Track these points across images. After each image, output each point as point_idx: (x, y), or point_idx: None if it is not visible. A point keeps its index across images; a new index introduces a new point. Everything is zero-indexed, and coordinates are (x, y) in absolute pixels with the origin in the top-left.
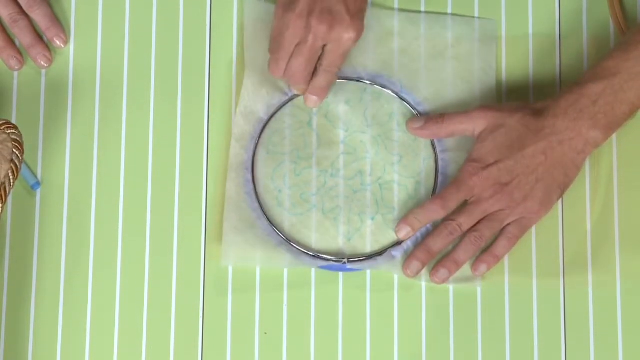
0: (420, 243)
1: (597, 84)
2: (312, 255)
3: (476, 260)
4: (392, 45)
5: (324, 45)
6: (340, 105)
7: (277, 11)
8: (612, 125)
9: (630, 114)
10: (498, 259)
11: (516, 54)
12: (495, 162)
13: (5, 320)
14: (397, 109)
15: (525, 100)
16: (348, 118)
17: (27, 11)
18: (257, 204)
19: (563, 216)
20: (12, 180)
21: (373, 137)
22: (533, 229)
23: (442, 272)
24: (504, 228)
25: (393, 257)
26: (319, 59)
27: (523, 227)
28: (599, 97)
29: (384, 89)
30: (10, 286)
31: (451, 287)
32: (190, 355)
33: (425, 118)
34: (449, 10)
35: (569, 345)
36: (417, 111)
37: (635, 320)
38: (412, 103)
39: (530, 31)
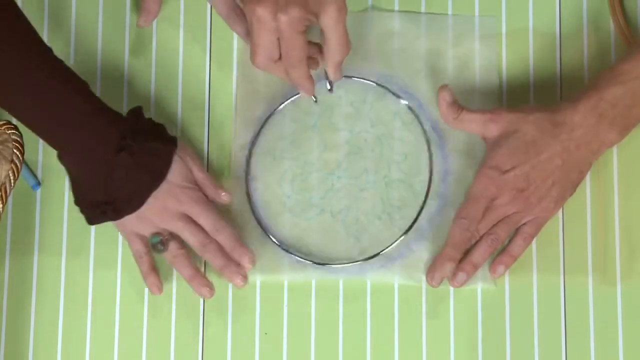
0: (440, 253)
1: (616, 88)
2: (319, 264)
3: (493, 262)
4: (393, 45)
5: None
6: (344, 107)
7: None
8: (628, 126)
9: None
10: (515, 258)
11: (516, 52)
12: (512, 169)
13: (6, 321)
14: (401, 107)
15: (526, 98)
16: (352, 119)
17: (212, 235)
18: (262, 214)
19: (563, 216)
20: (12, 181)
21: (377, 136)
22: None
23: (461, 275)
24: (518, 227)
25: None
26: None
27: (538, 226)
28: (619, 102)
29: (387, 91)
30: (10, 286)
31: (452, 289)
32: (190, 355)
33: (453, 101)
34: (450, 8)
35: (569, 345)
36: (415, 114)
37: (635, 321)
38: (415, 104)
39: (531, 29)
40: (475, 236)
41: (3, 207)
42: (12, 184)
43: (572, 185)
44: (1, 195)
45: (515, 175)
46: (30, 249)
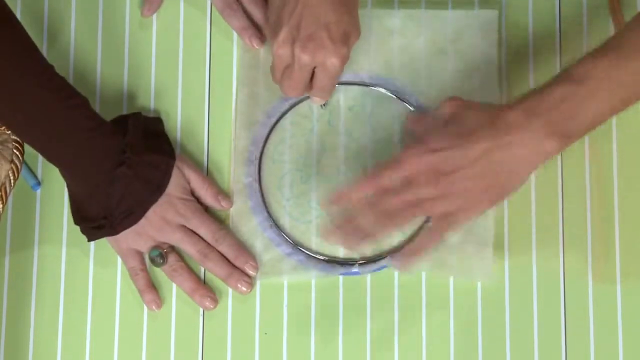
0: (355, 227)
1: (561, 88)
2: (322, 260)
3: (399, 252)
4: (393, 45)
5: (314, 67)
6: (343, 111)
7: (267, 35)
8: (569, 134)
9: (590, 126)
10: (422, 252)
11: (516, 48)
12: (441, 149)
13: (6, 321)
14: (401, 110)
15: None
16: (351, 124)
17: (213, 245)
18: (266, 214)
19: (563, 215)
20: (12, 181)
21: (376, 141)
22: (533, 228)
23: (354, 238)
24: (432, 222)
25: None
26: (312, 77)
27: (451, 224)
28: (561, 103)
29: (386, 92)
30: (10, 286)
31: (451, 285)
32: (190, 355)
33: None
34: (449, 5)
35: (569, 344)
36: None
37: (635, 320)
38: (414, 104)
39: (530, 25)
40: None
41: (3, 207)
42: (12, 184)
43: (497, 191)
44: (1, 195)
45: (440, 157)
46: (30, 249)
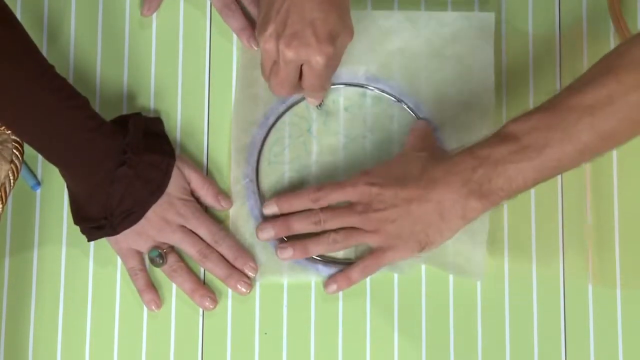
0: (283, 217)
1: (485, 149)
2: (320, 261)
3: (330, 278)
4: (391, 46)
5: (302, 65)
6: (340, 112)
7: (257, 30)
8: (488, 195)
9: (515, 188)
10: (351, 283)
11: (516, 49)
12: (380, 186)
13: (6, 321)
14: (398, 111)
15: (525, 95)
16: (348, 124)
17: (213, 246)
18: (264, 215)
19: (563, 217)
20: (12, 181)
21: (374, 141)
22: (533, 229)
23: (288, 250)
24: (364, 256)
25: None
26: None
27: (378, 261)
28: (481, 164)
29: (383, 94)
30: (10, 286)
31: (451, 286)
32: (190, 355)
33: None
34: (449, 7)
35: (568, 348)
36: (417, 114)
37: (635, 322)
38: (412, 106)
39: (530, 27)
40: (319, 223)
41: (3, 208)
42: (12, 184)
43: (416, 240)
44: (1, 195)
45: (374, 194)
46: (30, 249)
